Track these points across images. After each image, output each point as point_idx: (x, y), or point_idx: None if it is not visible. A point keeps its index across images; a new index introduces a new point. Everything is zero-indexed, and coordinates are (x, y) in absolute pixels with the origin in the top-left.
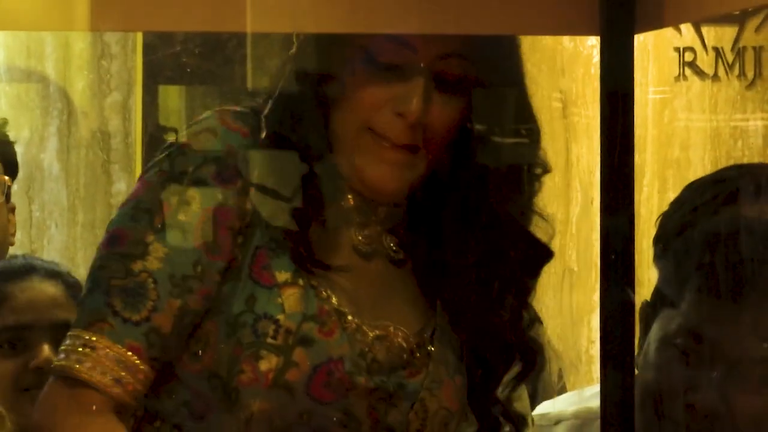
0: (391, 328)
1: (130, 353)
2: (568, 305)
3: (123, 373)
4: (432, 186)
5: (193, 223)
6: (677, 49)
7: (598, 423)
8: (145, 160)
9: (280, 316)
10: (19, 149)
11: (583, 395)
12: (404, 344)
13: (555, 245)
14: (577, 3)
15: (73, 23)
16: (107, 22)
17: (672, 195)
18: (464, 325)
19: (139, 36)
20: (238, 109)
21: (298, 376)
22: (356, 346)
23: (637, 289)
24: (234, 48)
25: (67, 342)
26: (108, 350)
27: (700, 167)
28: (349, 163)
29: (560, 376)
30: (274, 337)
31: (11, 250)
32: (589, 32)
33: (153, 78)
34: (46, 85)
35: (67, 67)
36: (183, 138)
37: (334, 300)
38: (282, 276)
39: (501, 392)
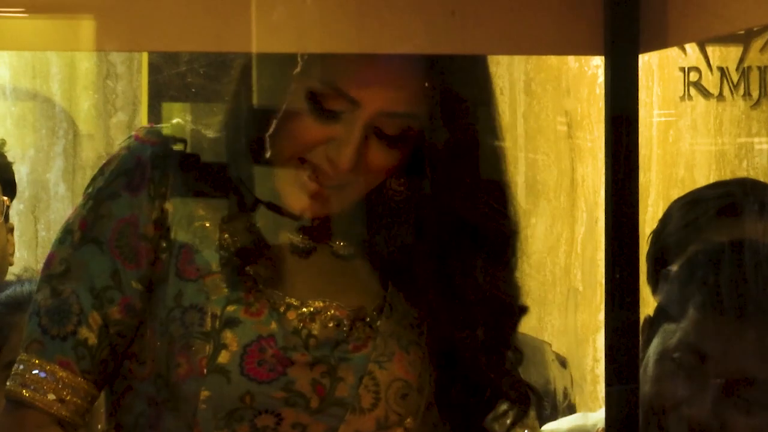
0: (328, 303)
1: (60, 368)
2: (573, 325)
3: (62, 390)
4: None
5: (107, 234)
6: (682, 69)
7: None
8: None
9: (204, 303)
10: (24, 169)
11: (588, 418)
12: (344, 320)
13: (560, 265)
14: (581, 23)
15: (78, 43)
16: (112, 42)
17: None
18: (420, 303)
19: (145, 56)
20: (156, 125)
21: (228, 358)
22: (289, 324)
23: (641, 308)
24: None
25: (15, 366)
26: (42, 369)
27: None
28: (272, 186)
29: (565, 395)
30: (201, 325)
31: (10, 269)
32: (593, 52)
33: (158, 98)
34: (51, 105)
35: (73, 87)
36: (105, 161)
37: (260, 283)
38: (206, 267)
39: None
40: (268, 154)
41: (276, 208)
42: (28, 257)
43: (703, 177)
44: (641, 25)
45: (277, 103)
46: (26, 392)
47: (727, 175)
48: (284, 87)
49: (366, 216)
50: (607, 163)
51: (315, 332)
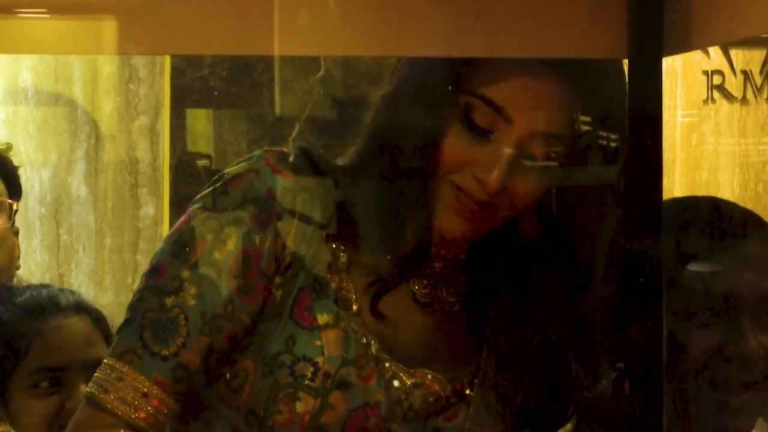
0: (429, 377)
1: (155, 387)
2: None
3: (146, 405)
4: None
5: (227, 262)
6: (705, 72)
7: None
8: (173, 183)
9: (319, 359)
10: (46, 173)
11: None
12: (441, 392)
13: None
14: (605, 26)
15: (100, 47)
16: (135, 46)
17: None
18: (511, 372)
19: (167, 59)
20: (286, 150)
21: (333, 419)
22: (393, 393)
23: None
24: (262, 71)
25: (100, 370)
26: (134, 382)
27: (728, 190)
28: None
29: None
30: (312, 379)
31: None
32: (617, 55)
33: (181, 101)
34: (73, 109)
35: (95, 91)
36: (230, 174)
37: (373, 346)
38: (323, 318)
39: None
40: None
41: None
42: (50, 261)
43: (727, 180)
44: (665, 28)
45: (426, 125)
46: (108, 400)
47: (750, 178)
48: (434, 108)
49: (484, 263)
50: (630, 165)
51: (415, 405)
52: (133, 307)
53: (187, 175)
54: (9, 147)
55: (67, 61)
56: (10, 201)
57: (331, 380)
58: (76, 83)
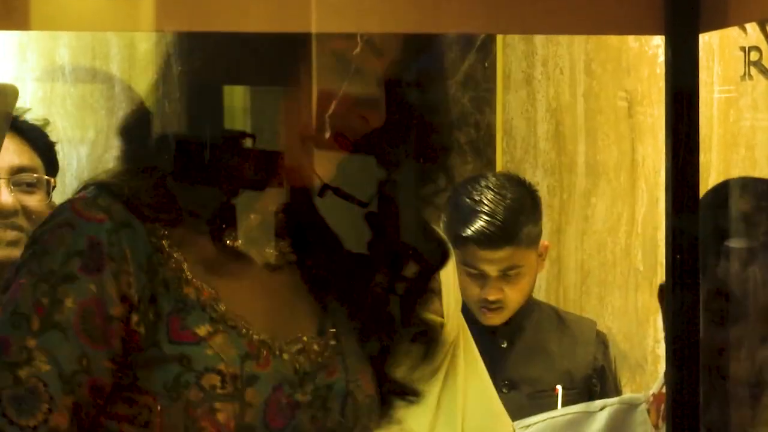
0: (305, 338)
1: None
2: (633, 305)
3: None
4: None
5: (71, 319)
6: (742, 49)
7: (642, 408)
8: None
9: (221, 365)
10: (84, 150)
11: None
12: (317, 348)
13: (621, 245)
14: (642, 2)
15: (138, 23)
16: (172, 22)
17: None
18: (359, 314)
19: None
20: (87, 194)
21: (254, 415)
22: (286, 367)
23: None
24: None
25: None
26: None
27: (765, 166)
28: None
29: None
30: (222, 387)
31: None
32: (654, 32)
33: None
34: (111, 86)
35: (132, 68)
36: (43, 234)
37: (253, 333)
38: (202, 330)
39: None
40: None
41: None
42: None
43: (764, 157)
44: (702, 4)
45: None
46: None
47: None
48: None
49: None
50: (667, 142)
51: (307, 368)
52: None
53: (24, 250)
54: (46, 122)
55: (104, 38)
56: (47, 177)
57: (240, 380)
58: (113, 60)
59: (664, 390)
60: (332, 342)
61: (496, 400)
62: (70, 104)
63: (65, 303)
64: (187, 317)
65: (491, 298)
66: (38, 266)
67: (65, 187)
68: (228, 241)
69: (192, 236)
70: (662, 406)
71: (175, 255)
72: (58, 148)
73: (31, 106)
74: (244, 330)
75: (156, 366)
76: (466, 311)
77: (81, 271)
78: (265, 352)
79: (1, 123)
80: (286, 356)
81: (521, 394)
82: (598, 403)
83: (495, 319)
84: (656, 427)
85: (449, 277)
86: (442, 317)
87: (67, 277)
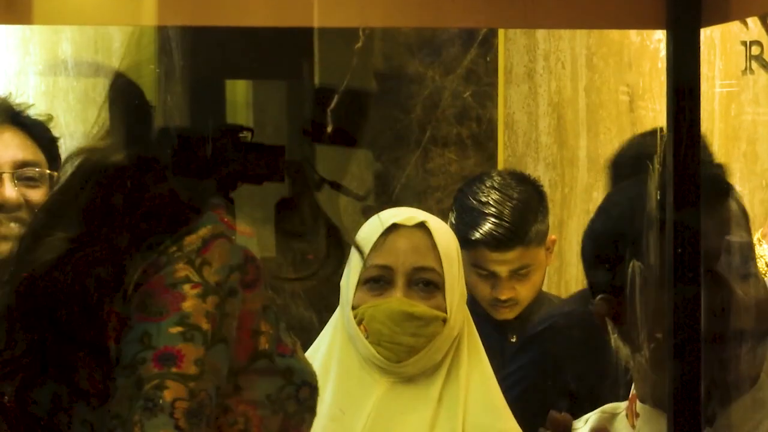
0: None
1: None
2: None
3: None
4: None
5: (232, 334)
6: (744, 43)
7: (622, 414)
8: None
9: (311, 378)
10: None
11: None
12: None
13: None
14: None
15: (140, 18)
16: (174, 17)
17: (739, 188)
18: None
19: None
20: (222, 203)
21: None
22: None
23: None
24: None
25: None
26: None
27: (767, 160)
28: None
29: None
30: (311, 399)
31: None
32: (655, 26)
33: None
34: (116, 82)
35: (138, 63)
36: (194, 244)
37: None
38: (289, 341)
39: None
40: None
41: None
42: None
43: (765, 151)
44: None
45: None
46: None
47: None
48: None
49: None
50: (669, 136)
51: None
52: (153, 395)
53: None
54: (50, 118)
55: (107, 33)
56: (49, 171)
57: (317, 392)
58: (115, 55)
59: (633, 391)
60: None
61: (498, 395)
62: (73, 98)
63: (230, 317)
64: (285, 331)
65: (503, 297)
66: (200, 276)
67: None
68: None
69: None
70: (634, 406)
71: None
72: (60, 142)
73: (34, 100)
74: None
75: (263, 377)
76: (474, 305)
77: (240, 285)
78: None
79: None
80: None
81: None
82: (583, 418)
83: (508, 314)
84: (633, 427)
85: (453, 272)
86: (446, 312)
87: (232, 291)
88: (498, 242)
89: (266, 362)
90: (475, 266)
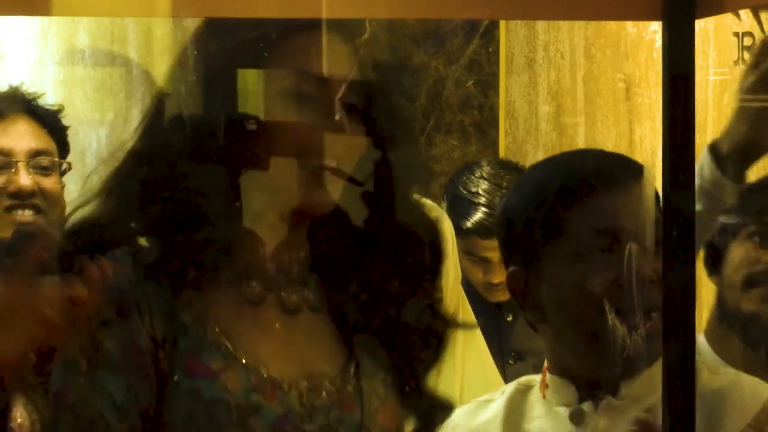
0: (320, 377)
1: None
2: None
3: None
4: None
5: (113, 359)
6: (736, 34)
7: (537, 387)
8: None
9: (229, 398)
10: (103, 131)
11: None
12: (332, 387)
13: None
14: None
15: (154, 10)
16: (187, 9)
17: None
18: (383, 354)
19: None
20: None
21: None
22: (294, 401)
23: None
24: None
25: None
26: None
27: None
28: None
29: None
30: (228, 416)
31: None
32: (652, 18)
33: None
34: (129, 70)
35: (149, 52)
36: None
37: (264, 370)
38: (216, 365)
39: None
40: None
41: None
42: None
43: None
44: None
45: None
46: None
47: None
48: None
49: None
50: (664, 123)
51: (316, 403)
52: None
53: None
54: (61, 107)
55: (123, 24)
56: (59, 160)
57: (244, 410)
58: (130, 45)
59: (546, 364)
60: (352, 381)
61: (493, 370)
62: (90, 87)
63: (106, 346)
64: (204, 355)
65: (495, 281)
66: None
67: (85, 167)
68: (249, 288)
69: (215, 289)
70: (545, 378)
71: (196, 303)
72: (78, 129)
73: (52, 88)
74: (254, 367)
75: (174, 401)
76: (469, 288)
77: (114, 315)
78: (271, 387)
79: None
80: (294, 392)
81: (527, 365)
82: (500, 390)
83: (501, 297)
84: (544, 397)
85: (446, 248)
86: (441, 292)
87: (105, 322)
88: (488, 231)
89: (173, 384)
90: (467, 253)
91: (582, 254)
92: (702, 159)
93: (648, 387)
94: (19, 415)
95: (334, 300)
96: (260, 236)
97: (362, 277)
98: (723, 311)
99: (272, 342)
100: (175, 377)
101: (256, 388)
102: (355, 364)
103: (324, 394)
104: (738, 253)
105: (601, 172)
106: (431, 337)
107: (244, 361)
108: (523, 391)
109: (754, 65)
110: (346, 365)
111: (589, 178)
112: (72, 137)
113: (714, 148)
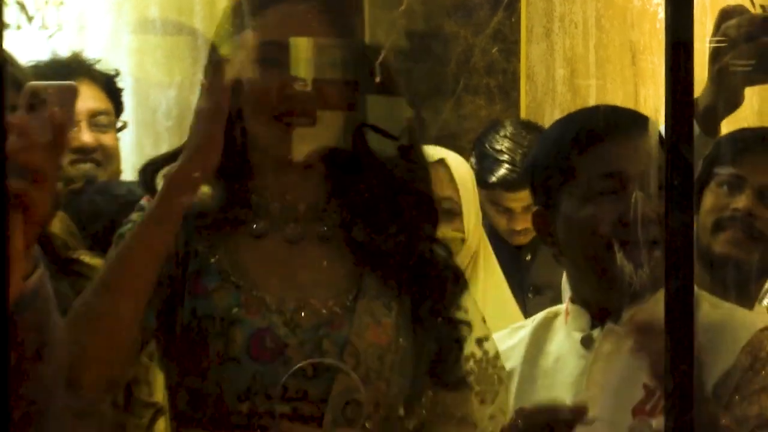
0: (309, 300)
1: None
2: None
3: None
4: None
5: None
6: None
7: (562, 315)
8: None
9: (216, 313)
10: (172, 92)
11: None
12: (322, 309)
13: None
14: None
15: None
16: None
17: (724, 130)
18: (394, 278)
19: None
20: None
21: (237, 349)
22: (279, 318)
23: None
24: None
25: None
26: None
27: (747, 105)
28: None
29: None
30: (213, 327)
31: None
32: None
33: None
34: (194, 38)
35: (213, 23)
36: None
37: (254, 292)
38: (212, 286)
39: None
40: None
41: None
42: None
43: (747, 97)
44: None
45: None
46: None
47: (766, 98)
48: None
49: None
50: (667, 85)
51: (301, 323)
52: None
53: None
54: (117, 72)
55: None
56: (117, 119)
57: (226, 322)
58: (196, 16)
59: (570, 294)
60: (346, 304)
61: (513, 304)
62: (160, 54)
63: None
64: (204, 276)
65: (518, 228)
66: None
67: (156, 124)
68: (255, 224)
69: (226, 228)
70: (567, 307)
71: (211, 236)
72: (149, 92)
73: (127, 55)
74: (245, 288)
75: (179, 315)
76: (494, 234)
77: None
78: (257, 305)
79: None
80: (279, 310)
81: (545, 298)
82: (534, 316)
83: (522, 240)
84: (566, 323)
85: (469, 200)
86: (464, 233)
87: None
88: (511, 185)
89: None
90: (493, 204)
91: (591, 197)
92: None
93: (647, 314)
94: None
95: (350, 234)
96: (268, 180)
97: (396, 218)
98: (698, 250)
99: (272, 270)
100: (184, 298)
101: (241, 304)
102: (356, 291)
103: (311, 314)
104: (709, 199)
105: (610, 124)
106: (457, 273)
107: (237, 283)
108: (551, 318)
109: (740, 39)
110: (346, 291)
111: (599, 128)
112: (144, 99)
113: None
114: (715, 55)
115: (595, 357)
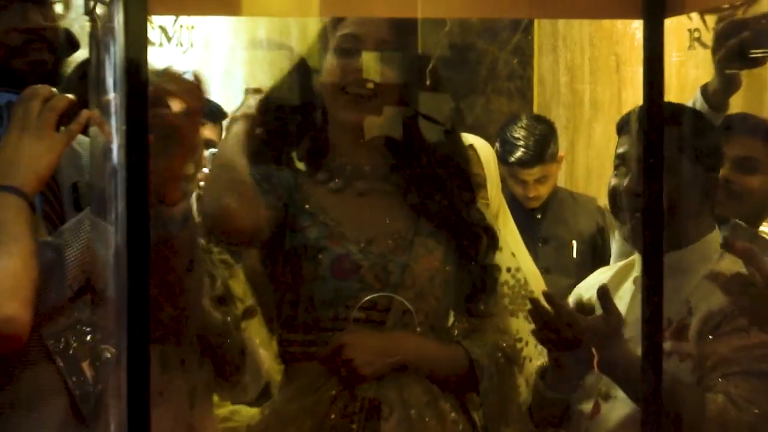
0: (380, 236)
1: None
2: None
3: None
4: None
5: None
6: (689, 29)
7: (637, 266)
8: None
9: (307, 242)
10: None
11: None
12: (388, 240)
13: (611, 152)
14: None
15: (308, 11)
16: (331, 9)
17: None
18: (443, 226)
19: None
20: None
21: (324, 269)
22: (355, 247)
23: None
24: None
25: None
26: None
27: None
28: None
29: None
30: (306, 253)
31: None
32: (634, 16)
33: None
34: (291, 53)
35: (305, 41)
36: None
37: (336, 227)
38: (305, 224)
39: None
40: None
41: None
42: None
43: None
44: None
45: None
46: None
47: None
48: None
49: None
50: (644, 88)
51: (373, 251)
52: None
53: None
54: (221, 110)
55: (287, 21)
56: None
57: (316, 249)
58: (292, 36)
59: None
60: (407, 239)
61: (528, 258)
62: (266, 64)
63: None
64: (299, 218)
65: (531, 195)
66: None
67: None
68: (333, 182)
69: (315, 185)
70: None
71: (303, 188)
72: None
73: (241, 67)
74: (329, 225)
75: (284, 246)
76: (513, 200)
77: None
78: (338, 237)
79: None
80: (354, 240)
81: (551, 247)
82: (620, 263)
83: (535, 204)
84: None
85: (491, 173)
86: (488, 200)
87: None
88: (525, 163)
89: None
90: (512, 177)
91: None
92: (695, 96)
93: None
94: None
95: (407, 192)
96: (343, 151)
97: (440, 187)
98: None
99: (349, 213)
100: (285, 233)
101: (327, 236)
102: (414, 230)
103: (379, 244)
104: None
105: (621, 124)
106: (489, 228)
107: (324, 221)
108: (632, 264)
109: (724, 39)
110: (406, 229)
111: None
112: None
113: (704, 89)
114: (714, 50)
115: (636, 290)
